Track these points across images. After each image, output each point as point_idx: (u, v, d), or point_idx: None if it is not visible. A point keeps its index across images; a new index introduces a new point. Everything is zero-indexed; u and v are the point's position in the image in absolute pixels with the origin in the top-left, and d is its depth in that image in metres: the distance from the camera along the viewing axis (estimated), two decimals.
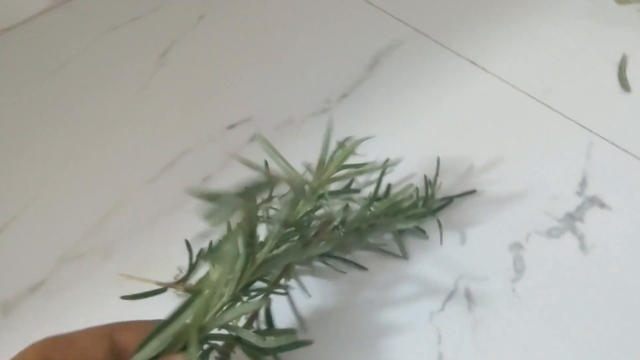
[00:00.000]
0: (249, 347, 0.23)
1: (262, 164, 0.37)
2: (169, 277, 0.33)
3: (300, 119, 0.42)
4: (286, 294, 0.28)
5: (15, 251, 0.38)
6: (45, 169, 0.42)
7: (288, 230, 0.25)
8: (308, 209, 0.26)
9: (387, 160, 0.32)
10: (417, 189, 0.31)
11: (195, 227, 0.35)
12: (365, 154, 0.27)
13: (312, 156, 0.26)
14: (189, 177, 0.40)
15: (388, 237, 0.32)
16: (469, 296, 0.29)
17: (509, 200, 0.33)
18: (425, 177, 0.33)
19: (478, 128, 0.38)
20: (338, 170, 0.27)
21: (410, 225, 0.30)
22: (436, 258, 0.31)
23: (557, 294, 0.28)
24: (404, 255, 0.31)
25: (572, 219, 0.31)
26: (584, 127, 0.36)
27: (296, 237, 0.26)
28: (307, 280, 0.31)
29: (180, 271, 0.33)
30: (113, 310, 0.32)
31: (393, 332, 0.28)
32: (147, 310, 0.31)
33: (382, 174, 0.31)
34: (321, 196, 0.26)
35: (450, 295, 0.29)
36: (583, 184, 0.33)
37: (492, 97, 0.40)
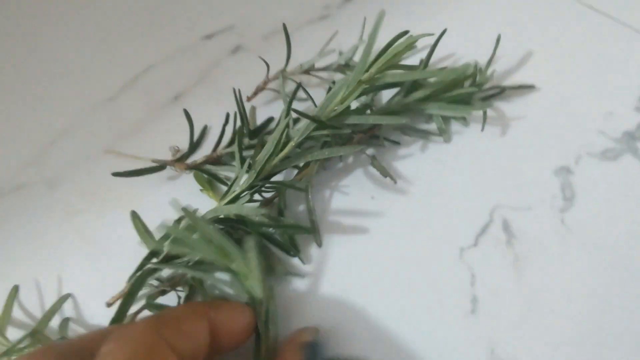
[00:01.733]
0: (252, 230, 0.21)
1: (247, 80, 0.30)
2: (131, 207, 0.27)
3: (294, 26, 0.34)
4: (305, 191, 0.24)
5: None
6: None
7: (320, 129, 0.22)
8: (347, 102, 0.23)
9: (444, 30, 0.25)
10: (472, 70, 0.26)
11: (162, 152, 0.28)
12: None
13: None
14: (157, 95, 0.32)
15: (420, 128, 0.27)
16: (507, 229, 0.24)
17: (555, 118, 0.27)
18: (476, 63, 0.26)
19: (530, 32, 0.31)
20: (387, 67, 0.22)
21: (460, 113, 0.25)
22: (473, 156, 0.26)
23: (617, 225, 0.23)
24: (446, 139, 0.26)
25: (631, 138, 0.26)
26: None
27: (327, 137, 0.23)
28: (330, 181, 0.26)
29: (178, 149, 0.28)
30: (61, 241, 0.26)
31: (416, 268, 0.23)
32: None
33: (435, 45, 0.25)
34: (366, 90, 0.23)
35: (484, 228, 0.24)
36: None
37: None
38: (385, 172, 0.24)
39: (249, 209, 0.20)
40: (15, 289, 0.24)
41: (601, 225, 0.23)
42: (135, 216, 0.22)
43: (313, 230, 0.23)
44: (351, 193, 0.25)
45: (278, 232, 0.21)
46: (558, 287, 0.22)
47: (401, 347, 0.21)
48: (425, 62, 0.26)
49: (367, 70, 0.21)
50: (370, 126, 0.25)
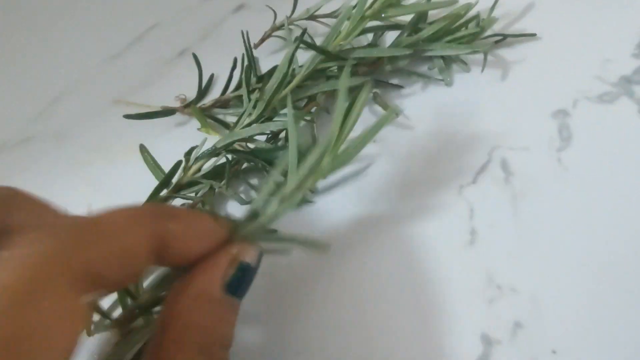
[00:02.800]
0: (260, 159, 0.22)
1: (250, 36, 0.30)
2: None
3: None
4: (311, 122, 0.24)
5: None
6: None
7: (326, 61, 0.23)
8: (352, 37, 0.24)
9: None
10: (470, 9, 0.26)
11: (169, 103, 0.29)
12: None
13: None
14: (162, 51, 0.33)
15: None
16: (505, 167, 0.24)
17: (554, 64, 0.27)
18: (478, 12, 0.27)
19: None
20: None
21: (461, 51, 0.25)
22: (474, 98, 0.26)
23: (611, 164, 0.24)
24: (448, 82, 0.27)
25: (628, 82, 0.26)
26: None
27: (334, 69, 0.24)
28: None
29: (184, 97, 0.28)
30: (71, 192, 0.26)
31: (417, 202, 0.23)
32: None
33: None
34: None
35: (483, 167, 0.24)
36: None
37: None
38: (386, 107, 0.25)
39: (261, 129, 0.20)
40: None
41: (596, 164, 0.24)
42: (143, 149, 0.23)
43: None
44: (356, 129, 0.26)
45: None
46: (553, 221, 0.23)
47: (402, 276, 0.22)
48: (421, 12, 0.26)
49: (370, 7, 0.22)
50: (374, 60, 0.26)
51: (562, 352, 0.20)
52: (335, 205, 0.24)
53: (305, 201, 0.22)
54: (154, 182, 0.24)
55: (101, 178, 0.28)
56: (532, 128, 0.25)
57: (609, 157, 0.24)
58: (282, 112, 0.23)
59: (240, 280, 0.15)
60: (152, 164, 0.23)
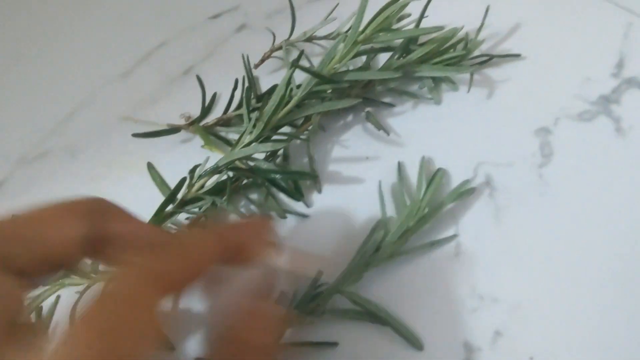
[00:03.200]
0: (259, 177, 0.24)
1: (252, 55, 0.32)
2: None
3: (297, 5, 0.36)
4: (307, 141, 0.27)
5: None
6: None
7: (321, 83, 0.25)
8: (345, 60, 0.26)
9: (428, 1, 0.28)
10: (457, 34, 0.28)
11: (174, 120, 0.31)
12: None
13: None
14: (168, 69, 0.35)
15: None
16: (490, 183, 0.26)
17: (537, 84, 0.29)
18: (466, 33, 0.29)
19: (517, 3, 0.33)
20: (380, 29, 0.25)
21: (447, 73, 0.27)
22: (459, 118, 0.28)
23: (589, 179, 0.25)
24: (436, 101, 0.28)
25: (607, 101, 0.28)
26: (622, 7, 0.31)
27: (329, 91, 0.26)
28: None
29: (189, 115, 0.30)
30: None
31: None
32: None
33: (425, 8, 0.28)
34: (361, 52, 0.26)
35: (468, 182, 0.26)
36: (620, 65, 0.29)
37: None
38: (379, 125, 0.26)
39: (261, 149, 0.22)
40: None
41: (575, 179, 0.25)
42: (151, 167, 0.25)
43: (314, 176, 0.25)
44: (351, 147, 0.28)
45: (283, 178, 0.24)
46: (534, 233, 0.24)
47: (390, 286, 0.23)
48: (416, 24, 0.28)
49: (362, 32, 0.24)
50: (366, 82, 0.28)
51: (540, 359, 0.21)
52: (328, 221, 0.25)
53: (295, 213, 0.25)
54: (161, 197, 0.26)
55: (112, 192, 0.29)
56: (516, 145, 0.27)
57: (588, 173, 0.26)
58: (280, 131, 0.25)
59: None
60: (159, 181, 0.24)
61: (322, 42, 0.33)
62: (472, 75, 0.28)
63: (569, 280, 0.23)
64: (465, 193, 0.25)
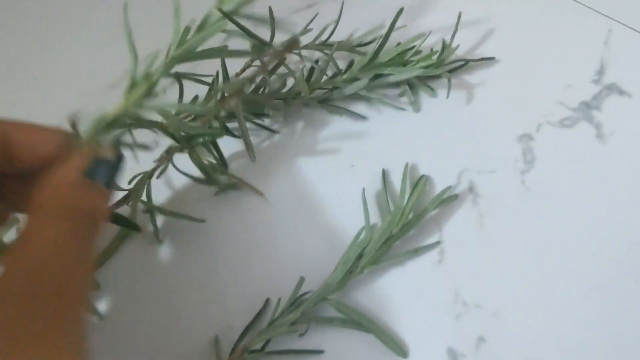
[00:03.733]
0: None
1: (237, 62, 0.32)
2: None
3: (281, 17, 0.37)
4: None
5: None
6: None
7: None
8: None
9: (401, 9, 0.28)
10: (425, 39, 0.29)
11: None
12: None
13: None
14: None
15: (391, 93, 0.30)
16: (473, 189, 0.26)
17: (516, 89, 0.29)
18: (442, 39, 0.29)
19: (491, 9, 0.33)
20: None
21: (416, 73, 0.27)
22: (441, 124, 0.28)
23: (571, 185, 0.26)
24: (415, 108, 0.29)
25: (587, 107, 0.28)
26: (602, 14, 0.32)
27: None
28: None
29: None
30: None
31: None
32: None
33: (394, 23, 0.28)
34: None
35: (452, 189, 0.26)
36: (601, 71, 0.29)
37: None
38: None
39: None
40: None
41: (558, 185, 0.26)
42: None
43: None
44: (335, 153, 0.28)
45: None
46: (516, 239, 0.24)
47: (374, 293, 0.23)
48: (387, 33, 0.28)
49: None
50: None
51: None
52: (312, 228, 0.26)
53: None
54: None
55: None
56: (498, 152, 0.27)
57: (570, 179, 0.26)
58: None
59: (97, 168, 0.17)
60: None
61: (302, 50, 0.33)
62: (449, 79, 0.28)
63: (552, 286, 0.23)
64: (448, 199, 0.25)
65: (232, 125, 0.30)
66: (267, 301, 0.23)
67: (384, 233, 0.23)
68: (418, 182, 0.25)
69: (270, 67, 0.30)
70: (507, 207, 0.25)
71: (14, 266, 0.15)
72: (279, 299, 0.23)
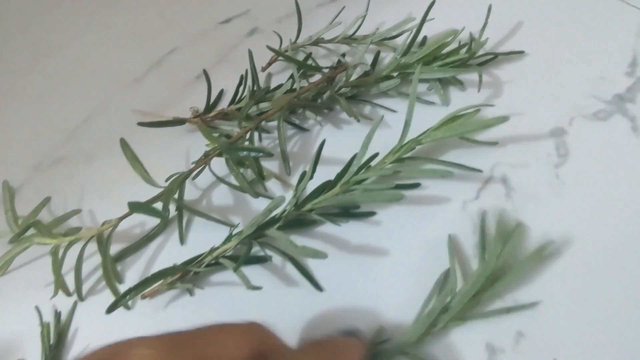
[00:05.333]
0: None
1: (263, 58, 0.32)
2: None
3: (306, 9, 0.36)
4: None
5: None
6: (12, 73, 0.37)
7: None
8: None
9: (432, 2, 0.28)
10: (457, 36, 0.28)
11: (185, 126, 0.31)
12: None
13: None
14: (181, 75, 0.35)
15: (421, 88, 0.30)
16: (506, 183, 0.26)
17: (548, 83, 0.29)
18: (470, 33, 0.29)
19: (521, 2, 0.33)
20: None
21: (449, 73, 0.27)
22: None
23: (606, 179, 0.25)
24: (444, 103, 0.29)
25: (621, 100, 0.28)
26: (633, 6, 0.31)
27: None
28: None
29: (197, 109, 0.31)
30: (103, 211, 0.28)
31: (423, 218, 0.25)
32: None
33: (424, 17, 0.28)
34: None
35: (485, 183, 0.26)
36: (633, 63, 0.29)
37: None
38: (350, 112, 0.28)
39: None
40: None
41: (592, 179, 0.25)
42: (124, 144, 0.25)
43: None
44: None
45: None
46: (551, 233, 0.24)
47: (412, 287, 0.23)
48: (419, 27, 0.28)
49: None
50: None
51: None
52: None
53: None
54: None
55: (128, 196, 0.30)
56: (531, 145, 0.27)
57: (604, 172, 0.26)
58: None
59: None
60: (132, 158, 0.25)
61: (328, 45, 0.33)
62: (480, 74, 0.28)
63: (589, 281, 0.23)
64: (548, 256, 0.23)
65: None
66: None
67: (475, 286, 0.21)
68: (514, 231, 0.23)
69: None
70: (542, 201, 0.25)
71: None
72: None
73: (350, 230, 0.25)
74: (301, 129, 0.30)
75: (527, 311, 0.22)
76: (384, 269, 0.24)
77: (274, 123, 0.31)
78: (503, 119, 0.23)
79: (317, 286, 0.24)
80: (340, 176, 0.25)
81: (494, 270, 0.22)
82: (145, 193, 0.28)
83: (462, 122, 0.24)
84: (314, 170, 0.25)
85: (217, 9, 0.38)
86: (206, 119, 0.30)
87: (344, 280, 0.24)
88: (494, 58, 0.30)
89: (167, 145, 0.31)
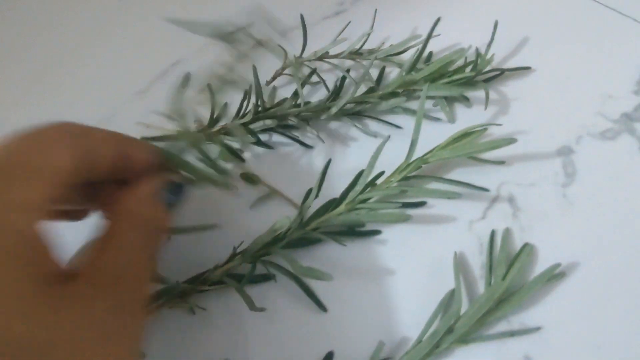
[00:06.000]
0: None
1: (268, 71, 0.32)
2: None
3: (311, 22, 0.36)
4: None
5: None
6: (18, 83, 0.37)
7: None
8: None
9: (438, 19, 0.28)
10: (465, 55, 0.28)
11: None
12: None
13: None
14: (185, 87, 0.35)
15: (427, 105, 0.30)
16: (513, 202, 0.26)
17: (554, 100, 0.29)
18: (476, 49, 0.29)
19: (526, 18, 0.33)
20: None
21: (456, 92, 0.27)
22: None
23: (614, 199, 0.25)
24: (450, 119, 0.29)
25: (629, 119, 0.27)
26: None
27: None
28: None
29: (201, 123, 0.31)
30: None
31: (429, 237, 0.25)
32: None
33: (430, 34, 0.27)
34: None
35: (491, 203, 0.26)
36: None
37: None
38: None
39: None
40: None
41: (600, 199, 0.25)
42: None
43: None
44: None
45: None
46: (558, 254, 0.24)
47: (417, 306, 0.23)
48: (424, 43, 0.28)
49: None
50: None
51: None
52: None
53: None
54: None
55: None
56: (538, 164, 0.27)
57: (612, 192, 0.25)
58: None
59: (169, 191, 0.21)
60: None
61: (333, 60, 0.33)
62: (487, 91, 0.28)
63: (596, 303, 0.22)
64: (554, 278, 0.23)
65: (264, 137, 0.30)
66: (330, 354, 0.22)
67: (481, 308, 0.21)
68: (521, 252, 0.23)
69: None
70: (549, 221, 0.25)
71: (101, 261, 0.17)
72: None
73: (355, 248, 0.25)
74: (304, 145, 0.29)
75: (532, 334, 0.22)
76: (389, 288, 0.24)
77: (277, 138, 0.31)
78: (511, 141, 0.23)
79: (321, 306, 0.23)
80: (345, 194, 0.25)
81: (501, 292, 0.22)
82: None
83: (469, 141, 0.24)
84: (319, 189, 0.24)
85: (221, 21, 0.38)
86: (210, 132, 0.30)
87: (349, 299, 0.24)
88: (500, 74, 0.30)
89: None
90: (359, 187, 0.24)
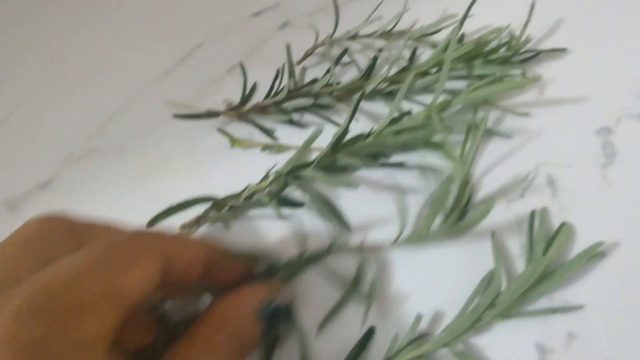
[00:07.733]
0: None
1: (295, 52, 0.32)
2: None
3: (340, 1, 0.36)
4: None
5: (16, 149, 0.33)
6: (42, 65, 0.37)
7: None
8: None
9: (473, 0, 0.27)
10: (500, 35, 0.28)
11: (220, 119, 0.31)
12: None
13: None
14: (210, 68, 0.34)
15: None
16: (552, 183, 0.25)
17: (590, 83, 0.28)
18: (509, 30, 0.28)
19: (562, 2, 0.32)
20: None
21: (494, 71, 0.26)
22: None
23: None
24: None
25: None
26: None
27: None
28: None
29: (230, 102, 0.31)
30: (132, 207, 0.28)
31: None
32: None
33: (467, 13, 0.27)
34: None
35: (530, 183, 0.25)
36: None
37: None
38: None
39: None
40: None
41: None
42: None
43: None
44: None
45: None
46: (599, 235, 0.24)
47: (454, 286, 0.23)
48: (460, 24, 0.27)
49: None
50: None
51: None
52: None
53: None
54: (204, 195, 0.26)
55: (160, 190, 0.29)
56: (576, 145, 0.26)
57: None
58: None
59: (269, 308, 0.19)
60: None
61: (365, 40, 0.33)
62: (524, 73, 0.28)
63: (638, 283, 0.22)
64: (596, 257, 0.23)
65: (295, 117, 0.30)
66: (372, 330, 0.22)
67: (523, 284, 0.21)
68: (559, 231, 0.23)
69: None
70: (589, 201, 0.24)
71: None
72: (396, 335, 0.22)
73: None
74: (337, 124, 0.29)
75: (575, 312, 0.22)
76: (427, 264, 0.24)
77: (308, 117, 0.30)
78: (535, 79, 0.23)
79: (346, 226, 0.24)
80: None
81: (543, 268, 0.22)
82: (176, 190, 0.28)
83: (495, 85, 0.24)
84: (352, 116, 0.24)
85: (248, 2, 0.38)
86: (242, 112, 0.30)
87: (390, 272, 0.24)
88: (536, 55, 0.29)
89: (200, 138, 0.30)
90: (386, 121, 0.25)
